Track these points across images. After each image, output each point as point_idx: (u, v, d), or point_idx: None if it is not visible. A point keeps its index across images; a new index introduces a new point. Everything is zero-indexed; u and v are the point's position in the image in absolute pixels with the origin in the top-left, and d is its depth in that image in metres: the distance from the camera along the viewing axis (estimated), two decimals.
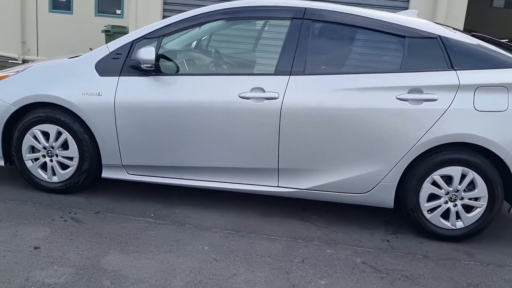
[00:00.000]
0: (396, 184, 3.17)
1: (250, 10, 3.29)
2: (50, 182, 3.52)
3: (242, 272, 2.64)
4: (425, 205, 3.17)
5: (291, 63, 3.18)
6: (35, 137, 3.44)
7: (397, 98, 3.07)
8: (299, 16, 3.23)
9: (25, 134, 3.43)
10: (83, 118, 3.33)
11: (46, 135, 3.43)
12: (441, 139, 3.05)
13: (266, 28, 3.44)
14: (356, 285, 2.59)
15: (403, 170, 3.14)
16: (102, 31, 9.33)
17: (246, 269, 2.68)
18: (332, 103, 3.10)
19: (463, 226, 3.17)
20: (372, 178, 3.17)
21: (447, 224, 3.18)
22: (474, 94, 3.03)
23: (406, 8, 7.99)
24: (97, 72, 3.34)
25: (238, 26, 3.46)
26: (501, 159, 3.02)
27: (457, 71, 3.08)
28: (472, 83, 3.04)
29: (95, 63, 3.36)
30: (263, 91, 3.15)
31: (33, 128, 3.42)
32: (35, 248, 2.72)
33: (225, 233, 3.11)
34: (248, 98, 3.16)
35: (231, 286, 2.49)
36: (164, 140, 3.30)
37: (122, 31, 9.22)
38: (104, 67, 3.34)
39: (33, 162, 3.50)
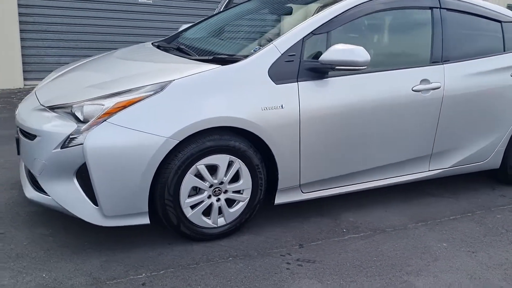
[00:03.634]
0: (504, 148, 3.75)
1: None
2: (215, 227, 2.74)
3: None
4: None
5: (441, 52, 3.30)
6: (199, 175, 2.60)
7: (511, 76, 3.61)
8: (437, 5, 3.34)
9: (185, 173, 2.55)
10: (264, 139, 2.69)
11: (211, 169, 2.63)
12: None
13: (399, 18, 3.36)
14: None
15: (510, 136, 3.74)
16: None
17: None
18: (474, 86, 3.40)
19: None
20: (492, 147, 3.67)
21: None
22: None
23: None
24: (272, 79, 2.72)
25: (374, 16, 3.27)
26: None
27: None
28: None
29: (267, 68, 2.71)
30: (429, 82, 3.20)
31: (197, 163, 2.56)
32: None
33: (432, 227, 3.12)
34: (419, 91, 3.16)
35: None
36: (345, 147, 2.99)
37: None
38: (279, 73, 2.74)
39: (192, 209, 2.64)
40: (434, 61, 3.27)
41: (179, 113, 2.49)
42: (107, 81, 2.74)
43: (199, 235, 2.71)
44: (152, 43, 3.77)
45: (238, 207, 2.77)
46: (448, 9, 3.39)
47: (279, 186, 2.87)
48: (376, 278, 2.49)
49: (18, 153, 2.86)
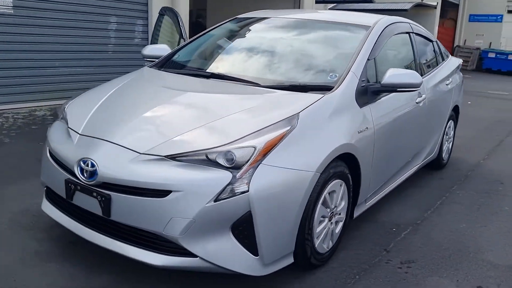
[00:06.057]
0: (441, 141, 4.75)
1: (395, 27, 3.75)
2: (327, 251, 2.82)
3: None
4: (444, 148, 4.96)
5: (419, 67, 4.02)
6: (324, 203, 2.65)
7: (446, 84, 4.59)
8: (410, 31, 4.03)
9: (317, 204, 2.58)
10: (359, 160, 2.89)
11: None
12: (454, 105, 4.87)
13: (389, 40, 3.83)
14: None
15: (443, 131, 4.75)
16: None
17: None
18: (435, 94, 4.24)
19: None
20: (436, 142, 4.61)
21: (445, 157, 5.12)
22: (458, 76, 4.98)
23: (146, 4, 8.01)
24: (357, 104, 2.93)
25: None
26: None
27: (445, 60, 4.91)
28: (454, 67, 4.96)
29: (354, 94, 2.91)
30: (421, 94, 3.87)
31: (324, 192, 2.62)
32: None
33: (438, 213, 3.79)
34: (418, 103, 3.79)
35: None
36: (391, 155, 3.43)
37: None
38: (359, 97, 2.97)
39: (317, 238, 2.67)
40: None
41: (314, 145, 2.51)
42: (215, 120, 2.50)
43: (319, 262, 2.75)
44: (148, 67, 3.52)
45: (339, 227, 2.91)
46: (415, 34, 4.13)
47: (359, 201, 3.10)
48: (464, 262, 3.00)
49: (108, 216, 2.34)
